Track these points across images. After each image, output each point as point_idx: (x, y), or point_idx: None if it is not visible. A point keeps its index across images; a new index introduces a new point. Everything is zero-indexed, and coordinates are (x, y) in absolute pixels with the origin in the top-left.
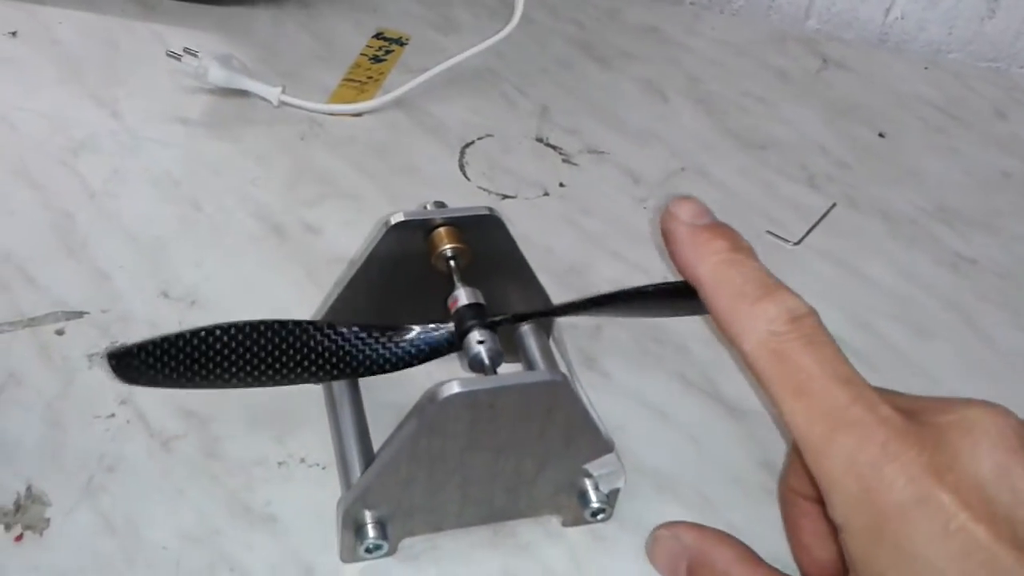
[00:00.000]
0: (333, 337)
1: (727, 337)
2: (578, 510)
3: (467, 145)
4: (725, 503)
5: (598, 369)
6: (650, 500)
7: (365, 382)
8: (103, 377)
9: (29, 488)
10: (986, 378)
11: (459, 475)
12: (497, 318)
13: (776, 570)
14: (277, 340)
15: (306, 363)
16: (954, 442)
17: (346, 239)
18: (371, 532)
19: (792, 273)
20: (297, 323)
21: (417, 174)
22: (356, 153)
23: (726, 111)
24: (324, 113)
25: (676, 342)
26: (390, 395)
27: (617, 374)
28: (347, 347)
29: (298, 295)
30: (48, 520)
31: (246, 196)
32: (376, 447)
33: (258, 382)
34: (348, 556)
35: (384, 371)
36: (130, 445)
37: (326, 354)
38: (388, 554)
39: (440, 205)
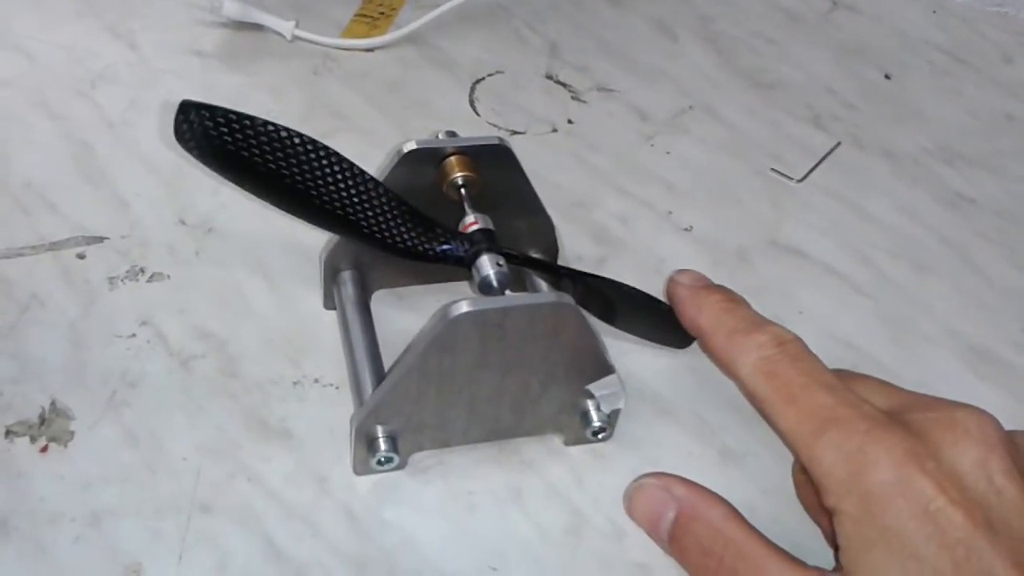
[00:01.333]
0: (381, 197)
1: (725, 371)
2: (580, 429)
3: (478, 81)
4: (720, 426)
5: None
6: (649, 422)
7: (376, 309)
8: (124, 299)
9: (53, 403)
10: (980, 313)
11: (467, 393)
12: (510, 251)
13: (761, 533)
14: (338, 170)
15: (348, 203)
16: (936, 435)
17: None
18: (383, 446)
19: (795, 209)
20: (361, 170)
21: (428, 109)
22: (368, 88)
23: (736, 51)
24: (337, 48)
25: None
26: (400, 322)
27: None
28: (384, 211)
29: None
30: (72, 433)
31: None
32: (387, 367)
33: (298, 200)
34: (360, 469)
35: (396, 250)
36: (151, 363)
37: (366, 205)
38: (398, 468)
39: (452, 135)
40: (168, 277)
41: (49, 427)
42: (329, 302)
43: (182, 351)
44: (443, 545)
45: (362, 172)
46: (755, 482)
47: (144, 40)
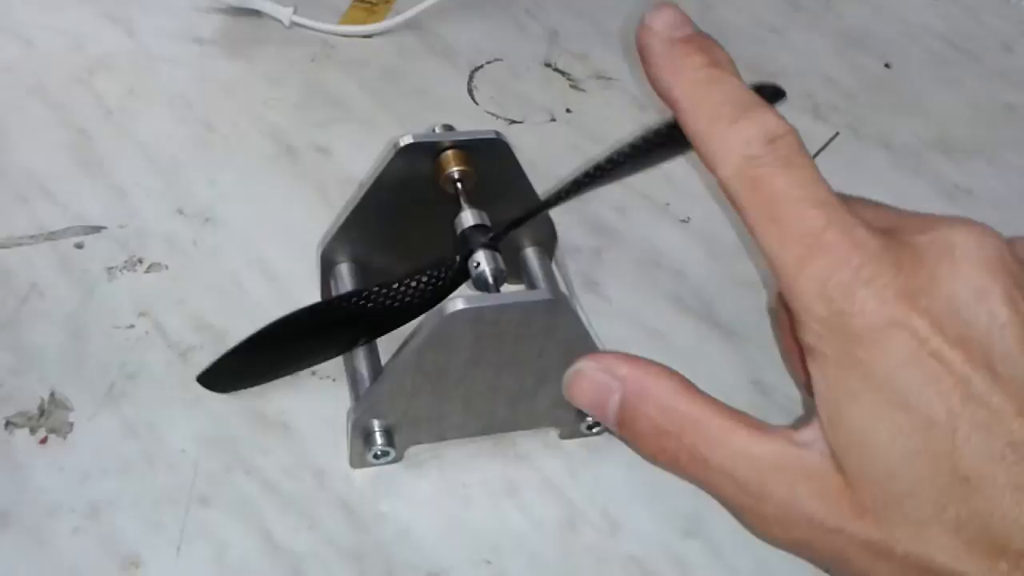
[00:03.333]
0: (358, 302)
1: (704, 162)
2: (575, 423)
3: (476, 69)
4: None
5: (598, 292)
6: None
7: None
8: (122, 290)
9: (52, 394)
10: None
11: (462, 388)
12: (497, 232)
13: (717, 401)
14: (319, 320)
15: (346, 331)
16: (931, 263)
17: (356, 161)
18: (379, 440)
19: None
20: (325, 302)
21: (427, 97)
22: (366, 75)
23: (737, 39)
24: (335, 34)
25: (674, 267)
26: None
27: (616, 297)
28: (372, 305)
29: (309, 214)
30: (71, 424)
31: (258, 117)
32: (384, 361)
33: (321, 356)
34: (357, 462)
35: (408, 319)
36: (149, 355)
37: (359, 319)
38: (395, 461)
39: (448, 128)
40: (166, 268)
41: (48, 418)
42: (326, 294)
43: (180, 342)
44: (439, 538)
45: (332, 299)
46: None
47: (142, 26)
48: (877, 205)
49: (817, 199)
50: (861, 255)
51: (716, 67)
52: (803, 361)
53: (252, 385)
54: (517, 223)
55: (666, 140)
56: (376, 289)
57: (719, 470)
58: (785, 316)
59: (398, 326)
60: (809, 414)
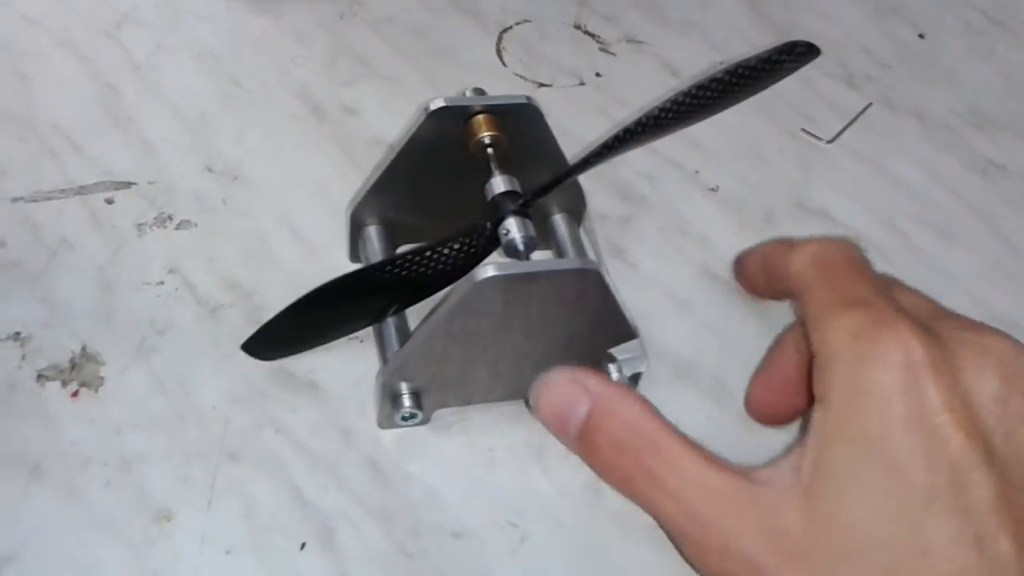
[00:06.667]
0: (392, 270)
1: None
2: None
3: (505, 30)
4: (740, 389)
5: (625, 259)
6: (669, 384)
7: None
8: (152, 246)
9: (84, 348)
10: (1005, 282)
11: (490, 353)
12: (527, 198)
13: (680, 431)
14: (359, 286)
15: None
16: (962, 355)
17: (383, 121)
18: (407, 402)
19: (823, 171)
20: (359, 271)
21: (454, 58)
22: (394, 34)
23: (770, 4)
24: None
25: (701, 235)
26: None
27: (643, 264)
28: (407, 272)
29: (337, 175)
30: (103, 379)
31: (286, 74)
32: (411, 323)
33: (355, 326)
34: (385, 423)
35: (441, 287)
36: (179, 311)
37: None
38: (422, 423)
39: (479, 92)
40: (195, 225)
41: (80, 372)
42: (355, 255)
43: (210, 300)
44: (464, 500)
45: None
46: (777, 449)
47: None
48: (925, 297)
49: (873, 279)
50: (899, 316)
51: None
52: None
53: (290, 354)
54: (547, 188)
55: (697, 104)
56: (409, 256)
57: (671, 494)
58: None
59: (430, 294)
60: (774, 459)
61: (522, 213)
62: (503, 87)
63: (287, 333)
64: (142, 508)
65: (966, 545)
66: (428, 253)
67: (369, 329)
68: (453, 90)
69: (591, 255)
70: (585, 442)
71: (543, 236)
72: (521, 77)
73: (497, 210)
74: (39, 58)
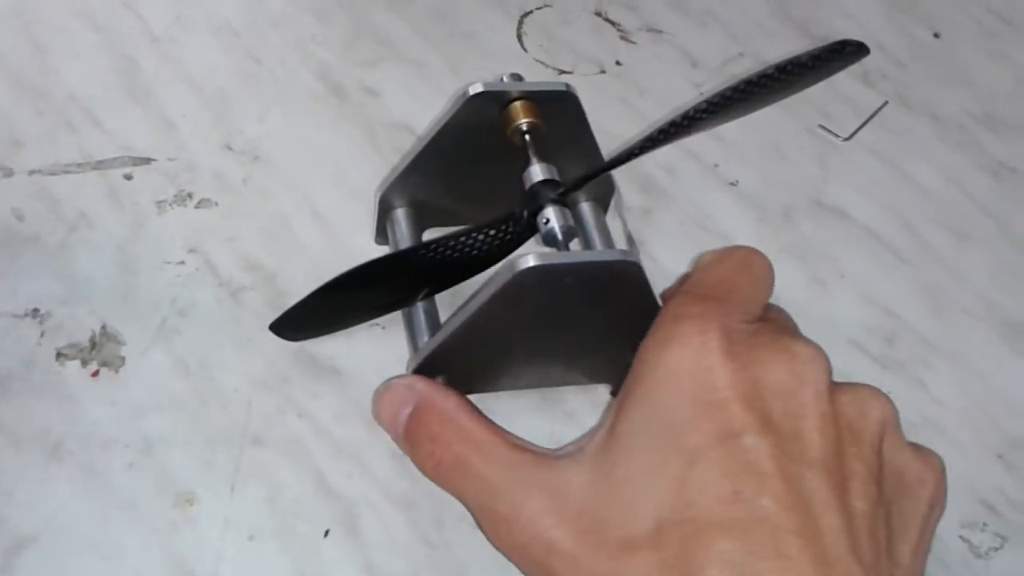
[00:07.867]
0: (428, 254)
1: None
2: None
3: (526, 14)
4: None
5: (645, 251)
6: None
7: None
8: (172, 224)
9: (104, 327)
10: (1015, 284)
11: (524, 343)
12: (567, 187)
13: (496, 426)
14: (391, 270)
15: (415, 282)
16: (763, 351)
17: (405, 104)
18: None
19: (840, 169)
20: (391, 255)
21: (475, 41)
22: (415, 14)
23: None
24: None
25: (720, 230)
26: None
27: (662, 257)
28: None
29: (359, 157)
30: (123, 359)
31: (307, 53)
32: (438, 307)
33: (384, 309)
34: None
35: (473, 273)
36: (200, 292)
37: (426, 271)
38: None
39: (517, 77)
40: (216, 204)
41: (100, 351)
42: (381, 238)
43: (231, 281)
44: None
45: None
46: None
47: None
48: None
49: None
50: (708, 306)
51: None
52: None
53: (316, 335)
54: (589, 177)
55: (745, 98)
56: (443, 240)
57: (474, 474)
58: None
59: (461, 280)
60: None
61: (561, 202)
62: (524, 73)
63: (316, 315)
64: (165, 491)
65: (725, 500)
66: (462, 238)
67: (390, 316)
68: (475, 76)
69: (622, 244)
70: (407, 437)
71: None
72: (541, 63)
73: (536, 198)
74: (56, 28)
